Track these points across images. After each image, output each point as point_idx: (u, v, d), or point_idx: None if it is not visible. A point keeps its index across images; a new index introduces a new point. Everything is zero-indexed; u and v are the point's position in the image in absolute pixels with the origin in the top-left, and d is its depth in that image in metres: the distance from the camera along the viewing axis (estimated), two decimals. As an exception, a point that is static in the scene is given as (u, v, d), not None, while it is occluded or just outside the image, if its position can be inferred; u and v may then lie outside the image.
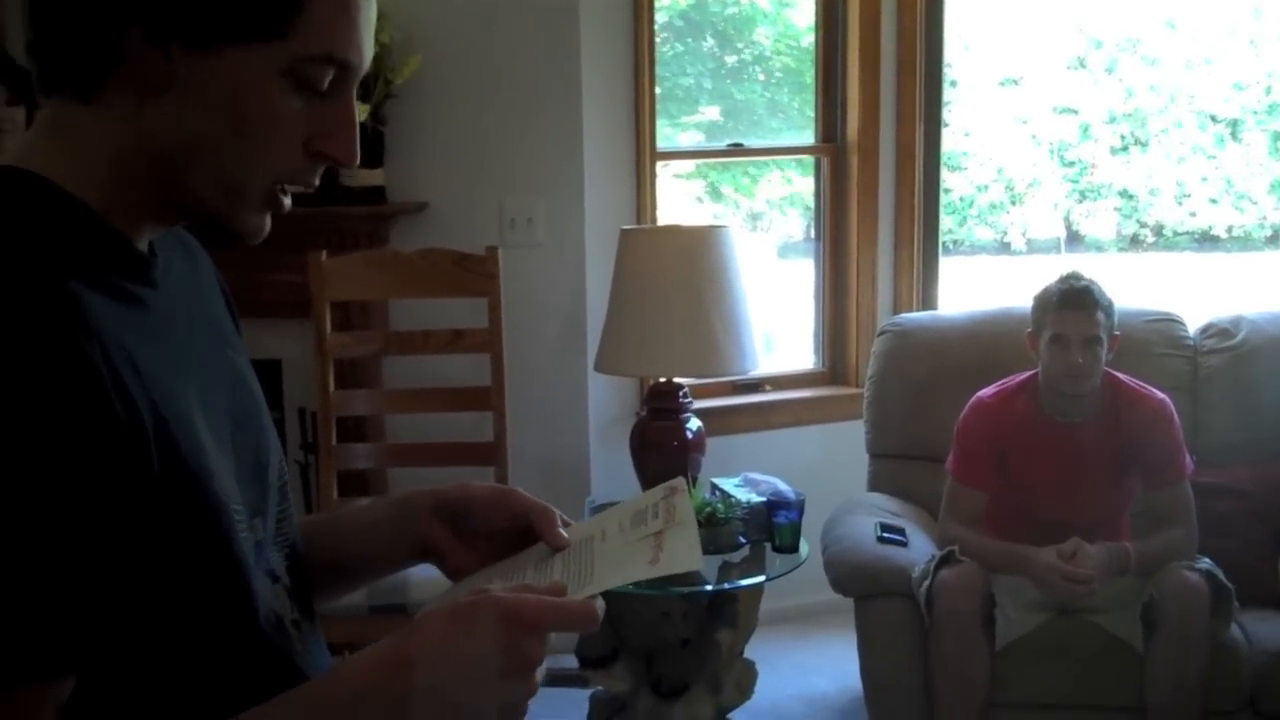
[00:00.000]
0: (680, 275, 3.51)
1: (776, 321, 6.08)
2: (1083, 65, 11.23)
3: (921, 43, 4.36)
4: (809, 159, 4.69)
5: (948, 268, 4.66)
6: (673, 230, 3.86)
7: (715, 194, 8.83)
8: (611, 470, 3.91)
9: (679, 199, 6.69)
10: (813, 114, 4.59)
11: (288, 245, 3.68)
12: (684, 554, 1.16)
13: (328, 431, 3.61)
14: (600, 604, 1.09)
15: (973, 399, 3.44)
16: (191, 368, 1.13)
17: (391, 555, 1.34)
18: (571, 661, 3.55)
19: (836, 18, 4.44)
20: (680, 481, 1.29)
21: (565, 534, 1.24)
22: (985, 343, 3.82)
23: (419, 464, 3.77)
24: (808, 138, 4.62)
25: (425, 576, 1.18)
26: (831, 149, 4.49)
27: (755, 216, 9.28)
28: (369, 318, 3.93)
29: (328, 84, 1.09)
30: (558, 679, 3.84)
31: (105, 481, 0.96)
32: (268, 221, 1.15)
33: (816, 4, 4.51)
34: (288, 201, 1.15)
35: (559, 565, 1.19)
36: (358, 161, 1.15)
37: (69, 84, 1.07)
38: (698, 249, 3.53)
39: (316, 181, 1.15)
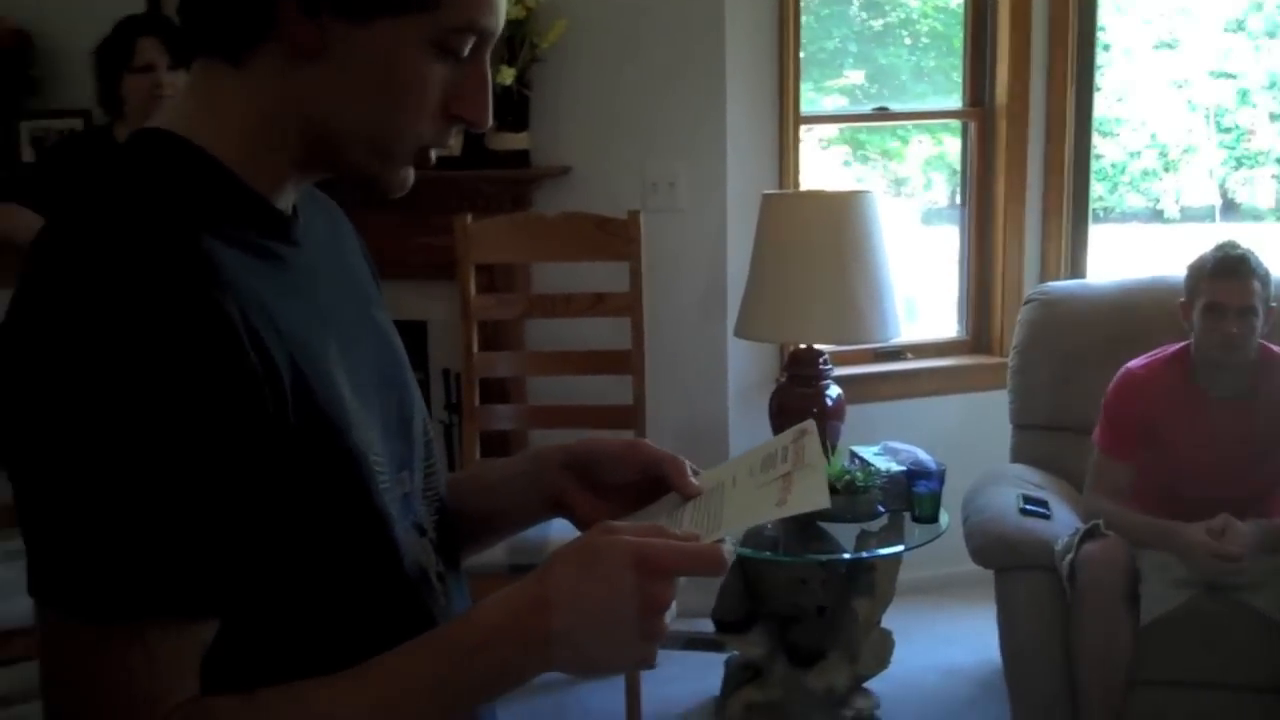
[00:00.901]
0: (822, 241, 3.48)
1: (920, 288, 6.00)
2: (1241, 28, 10.86)
3: (1074, 3, 4.25)
4: (956, 123, 4.61)
5: (1098, 236, 4.55)
6: (815, 195, 3.83)
7: (861, 158, 8.74)
8: (751, 436, 3.90)
9: (824, 163, 6.63)
10: (959, 78, 4.51)
11: (434, 208, 3.77)
12: (811, 495, 1.16)
13: (471, 392, 3.66)
14: (730, 548, 1.10)
15: (1122, 370, 3.37)
16: (332, 324, 1.15)
17: (525, 510, 1.36)
18: (708, 625, 3.57)
19: (985, -20, 4.35)
20: (810, 424, 1.30)
21: (696, 482, 1.25)
22: (1135, 313, 3.73)
23: (559, 426, 3.81)
24: (954, 102, 4.55)
25: (565, 534, 1.19)
26: (979, 113, 4.41)
27: (900, 182, 9.17)
28: (512, 280, 3.98)
29: (468, 50, 1.11)
30: (694, 642, 3.87)
31: (242, 427, 0.99)
32: (411, 175, 1.18)
33: (966, -34, 4.42)
34: (433, 157, 1.17)
35: (689, 513, 1.20)
36: (490, 123, 1.17)
37: (220, 47, 1.10)
38: (840, 214, 3.50)
39: (451, 140, 1.18)
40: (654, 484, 1.27)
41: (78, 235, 1.02)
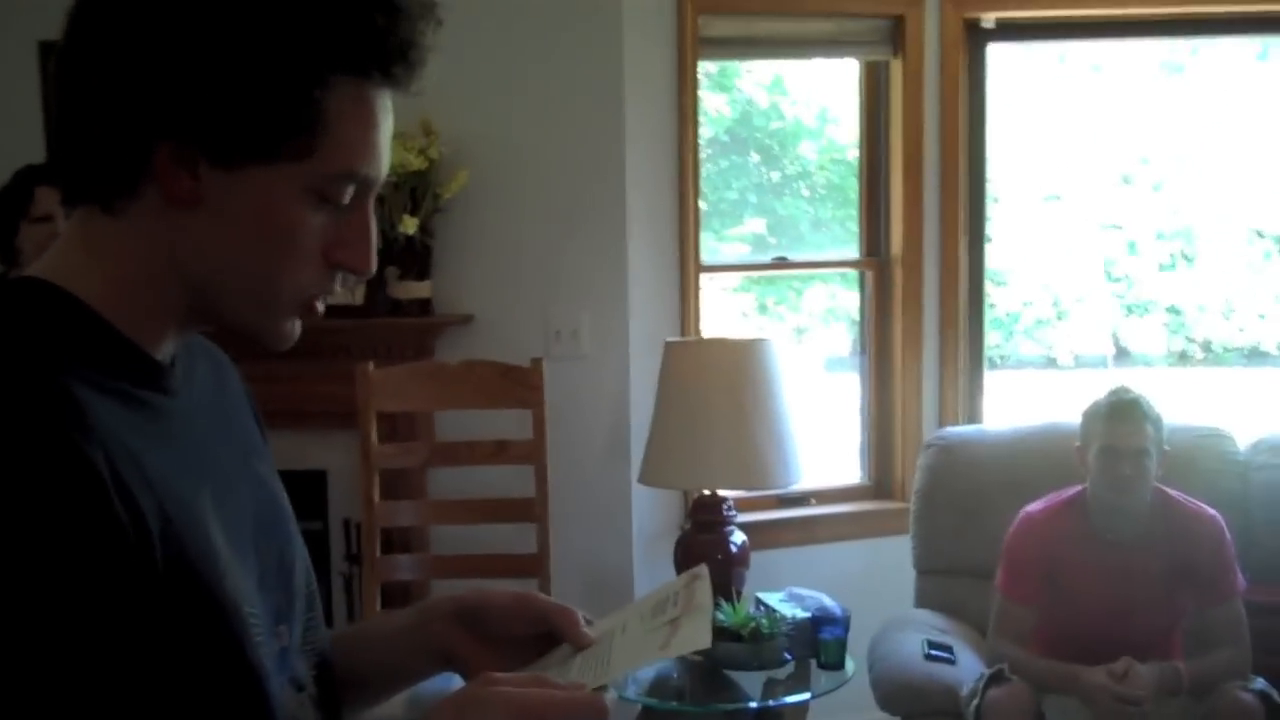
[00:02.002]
0: (724, 388, 3.51)
1: (822, 435, 6.06)
2: (1128, 182, 11.25)
3: (964, 158, 4.38)
4: (853, 273, 4.70)
5: (994, 383, 4.64)
6: (716, 343, 3.87)
7: (761, 308, 8.88)
8: (655, 583, 3.86)
9: (726, 312, 6.72)
10: (855, 228, 4.60)
11: (335, 356, 3.76)
12: (695, 637, 1.16)
13: (372, 543, 3.62)
14: (612, 696, 1.09)
15: (1020, 514, 3.41)
16: (207, 473, 1.13)
17: (414, 663, 1.33)
18: (613, 779, 3.50)
19: (879, 133, 4.47)
20: (703, 568, 1.30)
21: (588, 632, 1.23)
22: (1032, 458, 3.79)
23: (463, 575, 3.76)
24: (851, 252, 4.64)
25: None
26: (875, 263, 4.50)
27: (801, 331, 9.30)
28: (415, 428, 3.95)
29: (348, 198, 1.11)
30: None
31: (106, 579, 0.96)
32: (297, 328, 1.16)
33: (860, 120, 4.55)
34: (320, 307, 1.16)
35: (579, 663, 1.19)
36: (373, 271, 1.17)
37: (95, 196, 1.09)
38: (741, 361, 3.54)
39: (337, 289, 1.16)
40: (547, 637, 1.25)
41: None
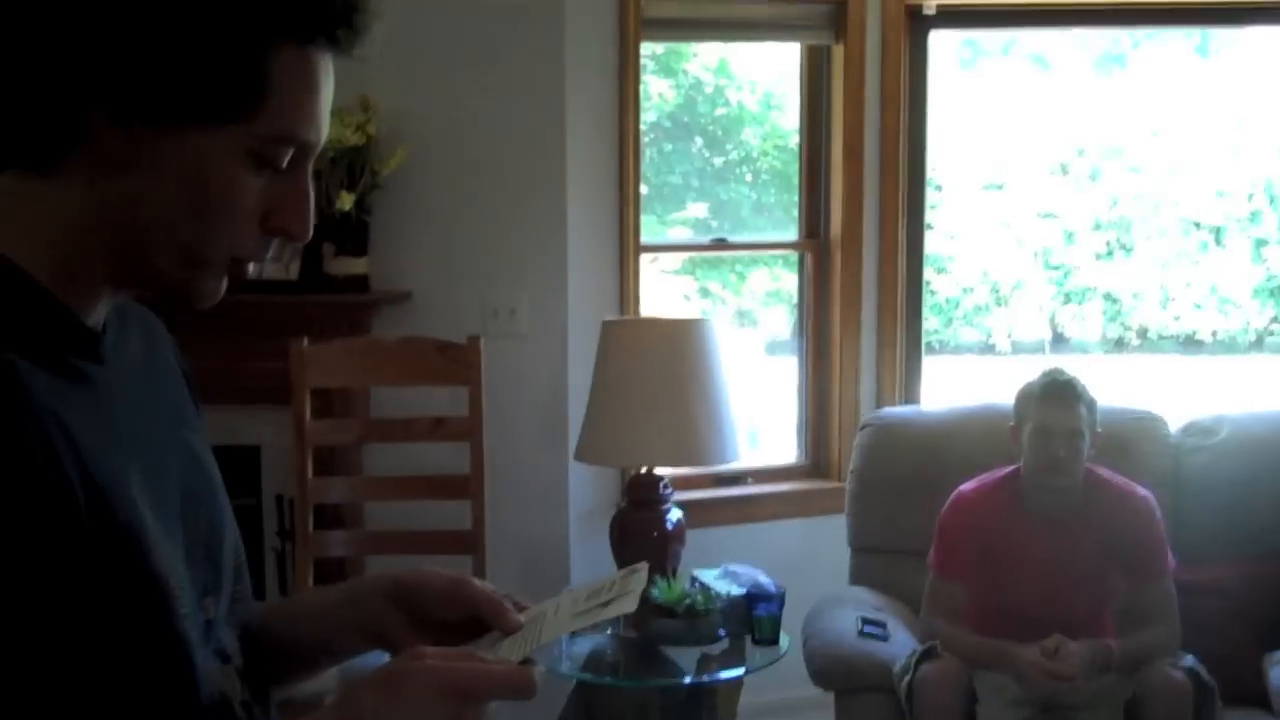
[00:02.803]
0: (661, 366, 3.51)
1: (763, 416, 6.07)
2: (1065, 172, 11.35)
3: (904, 143, 4.40)
4: (795, 257, 4.71)
5: (933, 367, 4.67)
6: (654, 322, 3.87)
7: (704, 292, 8.89)
8: (591, 560, 3.88)
9: (668, 295, 6.72)
10: (797, 212, 4.62)
11: (270, 332, 3.72)
12: (620, 607, 1.18)
13: (304, 519, 3.59)
14: (540, 669, 1.09)
15: (954, 493, 3.43)
16: (135, 444, 1.12)
17: (345, 640, 1.32)
18: (548, 755, 3.50)
19: (821, 117, 4.48)
20: (643, 565, 1.30)
21: (519, 617, 1.22)
22: (967, 438, 3.81)
23: (397, 552, 3.74)
24: (792, 236, 4.65)
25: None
26: (815, 245, 4.52)
27: (743, 314, 9.32)
28: (350, 405, 3.92)
29: (287, 162, 1.10)
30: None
31: (33, 552, 0.96)
32: (223, 286, 1.15)
33: (801, 104, 4.56)
34: (250, 270, 1.15)
35: (506, 644, 1.19)
36: (309, 236, 1.16)
37: (28, 157, 1.07)
38: (679, 340, 3.54)
39: (270, 255, 1.16)
40: (479, 621, 1.23)
41: None
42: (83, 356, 1.10)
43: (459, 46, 3.99)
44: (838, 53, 4.38)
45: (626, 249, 4.17)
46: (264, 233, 1.12)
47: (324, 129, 1.12)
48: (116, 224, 1.08)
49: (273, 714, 1.27)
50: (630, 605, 1.18)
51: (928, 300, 4.63)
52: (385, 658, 1.26)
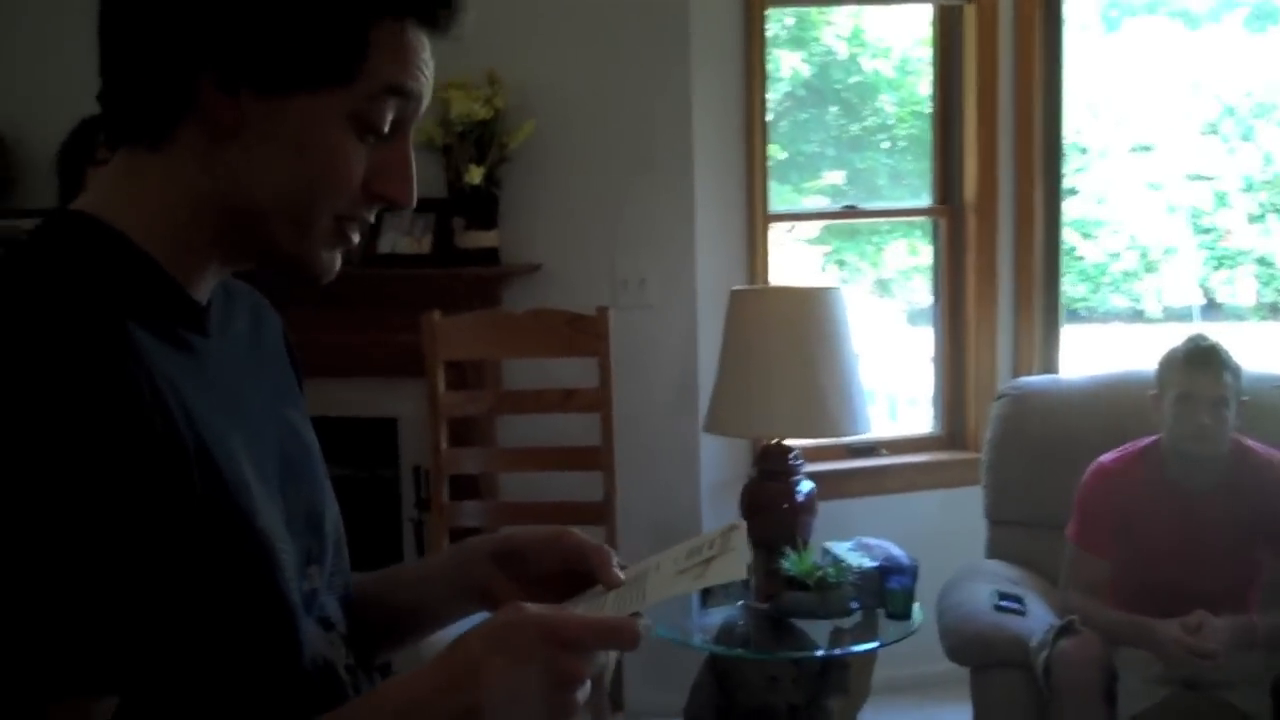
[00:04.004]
0: (790, 336, 3.47)
1: (903, 386, 6.00)
2: (1215, 132, 10.99)
3: (1040, 105, 4.29)
4: (931, 225, 4.62)
5: (1079, 335, 4.56)
6: (782, 291, 3.83)
7: (840, 262, 8.80)
8: (723, 533, 3.85)
9: (803, 265, 6.66)
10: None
11: (404, 306, 3.77)
12: (728, 570, 1.15)
13: (439, 489, 3.64)
14: (645, 623, 1.08)
15: (1094, 464, 3.34)
16: (238, 416, 1.14)
17: (452, 603, 1.33)
18: (679, 724, 3.51)
19: (954, 79, 4.39)
20: (741, 521, 1.28)
21: (621, 574, 1.22)
22: (1108, 407, 3.71)
23: (529, 522, 3.76)
24: (926, 201, 4.57)
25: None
26: (949, 211, 4.43)
27: (882, 284, 9.21)
28: (483, 377, 3.96)
29: (389, 125, 1.12)
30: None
31: (144, 504, 0.97)
32: (337, 259, 1.17)
33: (934, 66, 4.47)
34: (355, 238, 1.16)
35: (611, 600, 1.18)
36: (414, 203, 1.17)
37: (141, 132, 1.10)
38: (807, 310, 3.49)
39: (371, 219, 1.17)
40: (583, 575, 1.24)
41: None
42: (188, 328, 1.12)
43: (585, 18, 3.99)
44: (969, 13, 4.29)
45: (755, 218, 4.14)
46: (367, 199, 1.14)
47: (425, 80, 1.13)
48: (226, 194, 1.10)
49: (376, 679, 1.28)
50: (737, 569, 1.15)
51: (1074, 266, 4.52)
52: None
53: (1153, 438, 3.29)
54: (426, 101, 1.15)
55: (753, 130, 4.11)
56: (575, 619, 1.06)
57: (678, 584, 1.19)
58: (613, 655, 3.44)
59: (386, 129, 1.11)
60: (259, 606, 1.08)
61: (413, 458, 4.07)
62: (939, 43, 4.43)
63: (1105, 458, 3.34)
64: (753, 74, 4.08)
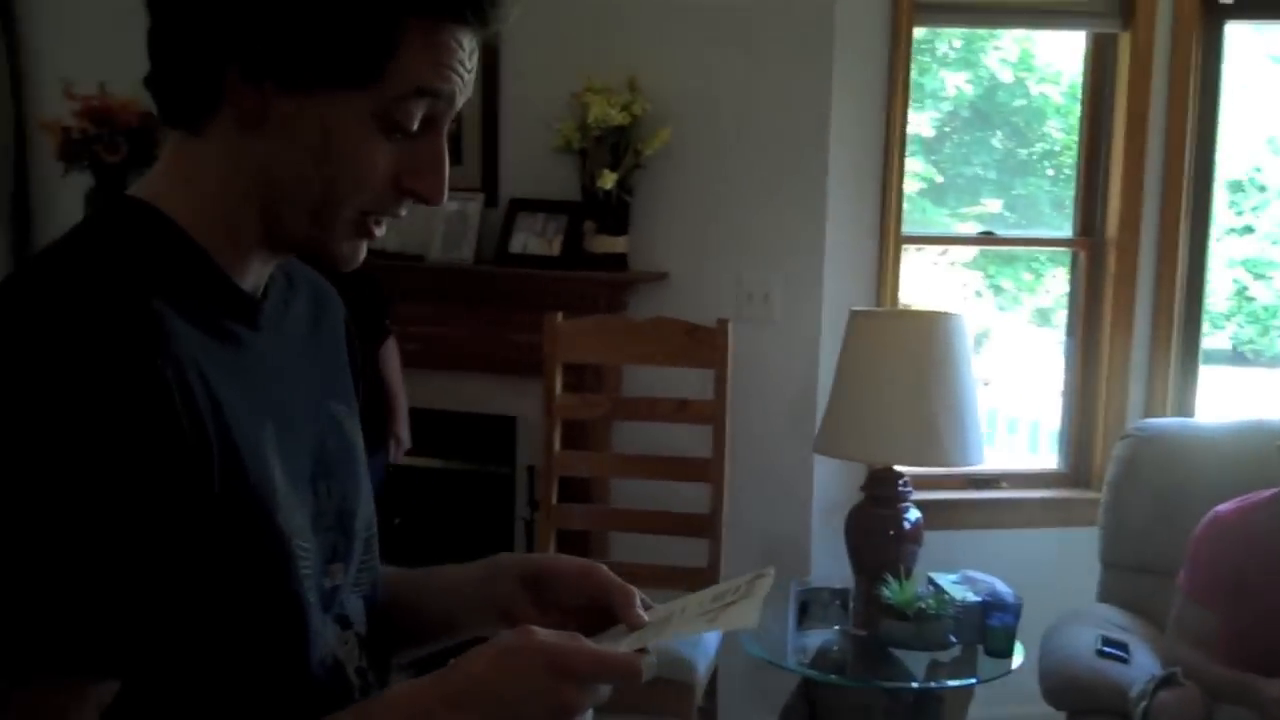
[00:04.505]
0: (907, 359, 3.43)
1: (1046, 418, 5.87)
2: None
3: (1192, 140, 4.16)
4: (1070, 257, 4.52)
5: (1247, 378, 4.40)
6: (902, 314, 3.79)
7: (996, 289, 8.65)
8: (832, 554, 3.82)
9: (954, 290, 6.57)
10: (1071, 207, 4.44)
11: (531, 306, 3.82)
12: (742, 615, 1.15)
13: (549, 490, 3.67)
14: (649, 660, 1.09)
15: (1210, 513, 3.24)
16: (276, 408, 1.15)
17: (474, 618, 1.33)
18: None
19: (1104, 109, 4.29)
20: (770, 568, 1.27)
21: (645, 615, 1.22)
22: (1237, 455, 3.58)
23: (634, 529, 3.80)
24: (1065, 231, 4.47)
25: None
26: (1089, 243, 4.33)
27: (1042, 313, 9.03)
28: (602, 381, 3.98)
29: (418, 123, 1.11)
30: (756, 762, 3.78)
31: (159, 490, 0.99)
32: (361, 249, 1.17)
33: (1083, 94, 4.37)
34: (380, 231, 1.17)
35: (632, 641, 1.18)
36: (444, 200, 1.16)
37: (179, 117, 1.13)
38: (927, 334, 3.45)
39: (403, 213, 1.17)
40: (607, 611, 1.24)
41: (25, 287, 1.04)
42: (233, 319, 1.14)
43: (728, 29, 3.99)
44: (1124, 41, 4.17)
45: (887, 238, 4.09)
46: (397, 195, 1.14)
47: (459, 81, 1.12)
48: (255, 183, 1.11)
49: (391, 680, 1.29)
50: (747, 618, 1.14)
51: (1245, 307, 4.36)
52: None
53: (1274, 490, 3.17)
54: (464, 98, 1.14)
55: (890, 149, 4.07)
56: (579, 649, 1.06)
57: (691, 625, 1.20)
58: (703, 671, 3.44)
59: (415, 127, 1.11)
60: (268, 603, 1.10)
61: (528, 457, 4.11)
62: (1091, 70, 4.33)
63: (1222, 507, 3.23)
64: (895, 92, 4.04)
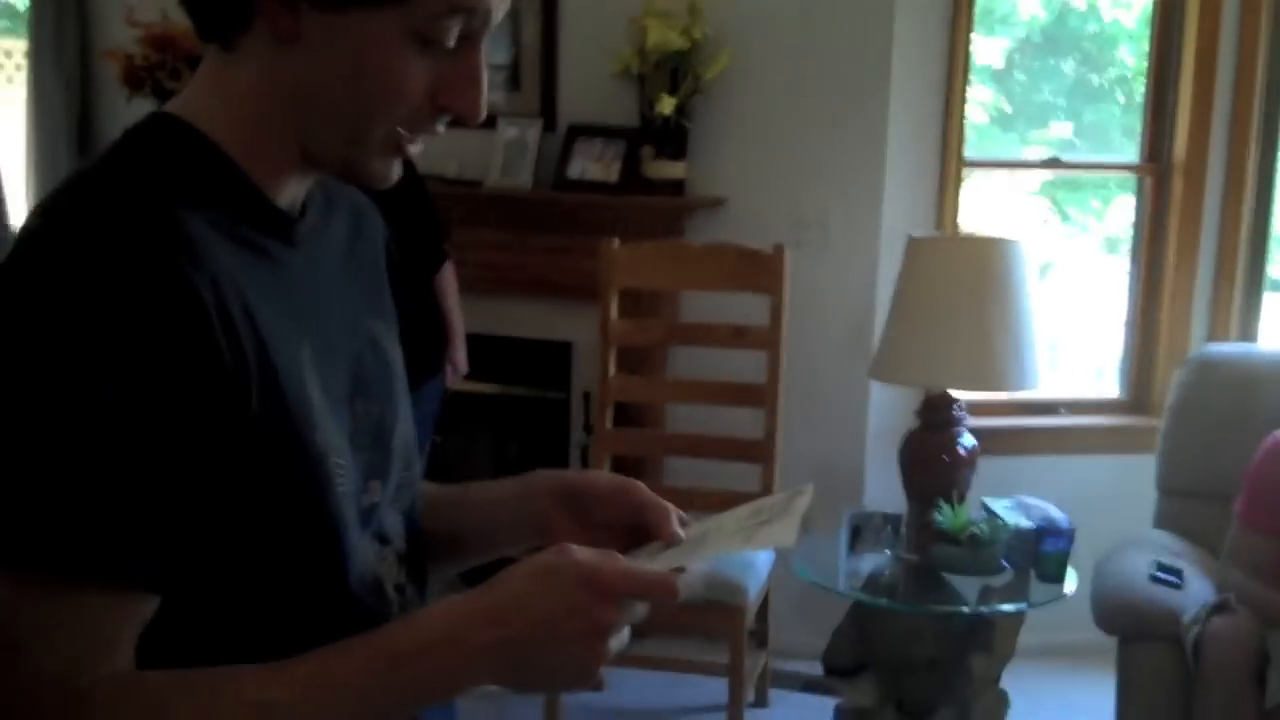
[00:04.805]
0: (964, 286, 3.39)
1: (1100, 346, 5.81)
2: None
3: (1264, 61, 4.07)
4: (1136, 182, 4.45)
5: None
6: (960, 240, 3.76)
7: (1064, 216, 8.52)
8: (887, 480, 3.81)
9: (1023, 216, 6.46)
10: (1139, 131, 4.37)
11: (589, 232, 3.83)
12: (779, 534, 1.14)
13: (604, 415, 3.69)
14: (687, 578, 1.09)
15: (1268, 439, 3.20)
16: (312, 326, 1.15)
17: (512, 534, 1.33)
18: (819, 669, 3.51)
19: (1173, 30, 4.20)
20: (809, 486, 1.27)
21: (681, 531, 1.22)
22: (1299, 382, 3.54)
23: (689, 454, 3.81)
24: (1133, 156, 4.41)
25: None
26: (1156, 169, 4.26)
27: (1112, 242, 8.89)
28: (658, 307, 3.99)
29: (455, 39, 1.09)
30: (808, 685, 3.82)
31: (200, 407, 0.99)
32: (396, 167, 1.16)
33: (1153, 18, 4.29)
34: (415, 149, 1.15)
35: (669, 557, 1.18)
36: (483, 117, 1.14)
37: (216, 33, 1.11)
38: (985, 260, 3.41)
39: (441, 130, 1.15)
40: (644, 527, 1.24)
41: (62, 206, 1.05)
42: (269, 235, 1.13)
43: (788, -49, 3.95)
44: (1197, -36, 4.09)
45: (949, 164, 4.05)
46: (433, 110, 1.12)
47: (494, 9, 1.10)
48: (289, 100, 1.10)
49: (429, 596, 1.30)
50: (786, 536, 1.13)
51: (1275, 228, 4.30)
52: None
53: (1335, 418, 3.14)
54: (501, 14, 1.12)
55: (954, 72, 4.02)
56: (614, 567, 1.05)
57: (728, 543, 1.19)
58: (754, 595, 3.46)
59: (451, 43, 1.09)
60: (306, 520, 1.10)
61: (584, 383, 4.14)
62: (1162, -7, 4.24)
63: (1279, 433, 3.20)
64: (959, 16, 3.99)
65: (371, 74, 1.08)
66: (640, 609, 1.08)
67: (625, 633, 1.07)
